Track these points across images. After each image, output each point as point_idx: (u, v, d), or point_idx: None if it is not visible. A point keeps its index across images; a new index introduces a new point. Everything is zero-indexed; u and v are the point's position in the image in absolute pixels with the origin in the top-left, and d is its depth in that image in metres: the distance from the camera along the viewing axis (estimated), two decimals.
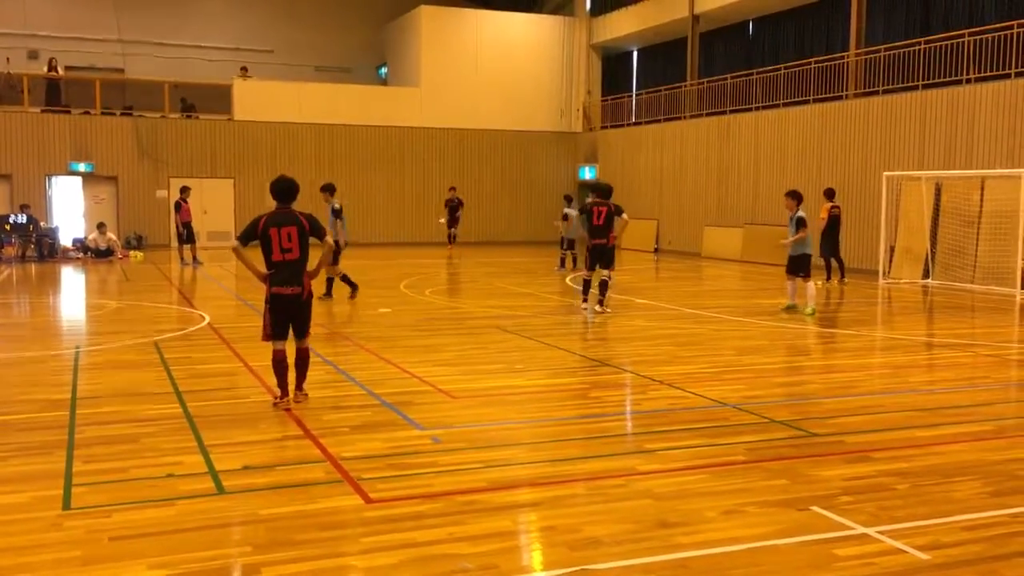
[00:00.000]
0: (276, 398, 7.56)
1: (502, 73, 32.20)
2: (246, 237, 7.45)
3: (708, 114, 27.16)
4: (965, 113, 18.94)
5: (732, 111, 26.04)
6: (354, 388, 8.39)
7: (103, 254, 23.74)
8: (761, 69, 25.49)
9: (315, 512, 5.06)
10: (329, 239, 7.65)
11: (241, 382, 8.69)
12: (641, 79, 32.86)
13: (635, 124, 31.05)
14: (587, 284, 13.86)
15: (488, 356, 10.29)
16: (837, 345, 11.63)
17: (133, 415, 7.24)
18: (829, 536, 4.77)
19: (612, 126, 32.14)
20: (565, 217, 20.79)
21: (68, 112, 28.03)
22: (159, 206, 28.36)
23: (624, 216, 13.80)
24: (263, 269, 7.46)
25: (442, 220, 26.18)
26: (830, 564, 4.41)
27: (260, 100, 29.68)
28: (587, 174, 32.55)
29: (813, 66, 23.42)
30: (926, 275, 18.76)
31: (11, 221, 23.56)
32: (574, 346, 10.99)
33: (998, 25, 18.76)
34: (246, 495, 5.36)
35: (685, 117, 28.25)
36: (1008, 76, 18.23)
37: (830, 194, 18.42)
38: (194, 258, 21.94)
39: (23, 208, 24.18)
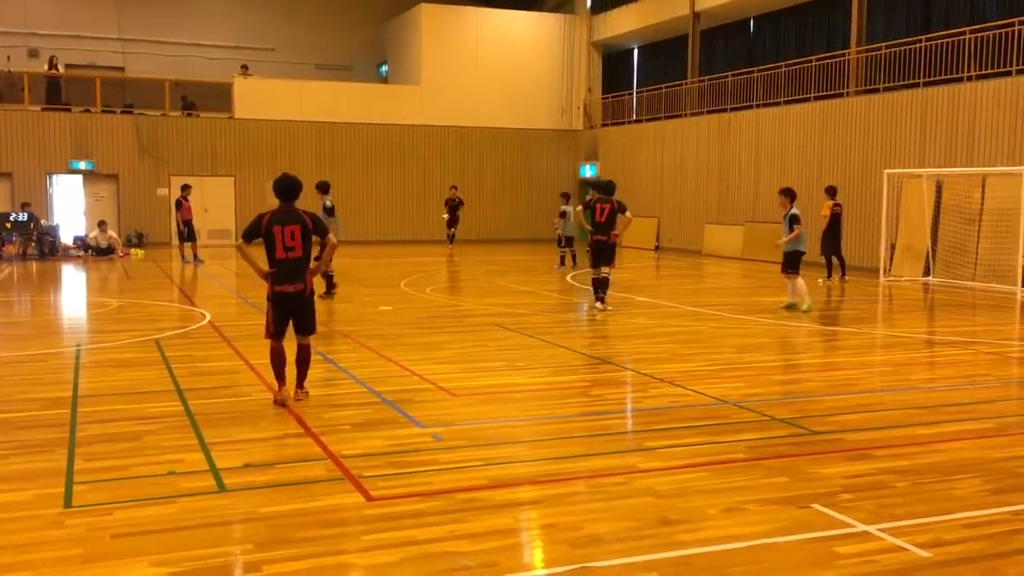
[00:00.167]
0: (275, 393, 7.57)
1: (503, 71, 32.19)
2: (249, 235, 7.48)
3: (709, 112, 27.15)
4: (966, 111, 18.92)
5: (733, 109, 26.03)
6: (355, 386, 8.39)
7: (104, 252, 23.75)
8: (762, 67, 25.47)
9: (316, 510, 5.07)
10: (332, 238, 7.70)
11: (242, 380, 8.70)
12: (642, 77, 32.84)
13: (636, 122, 31.04)
14: (596, 282, 13.85)
15: (489, 354, 10.29)
16: (838, 343, 11.63)
17: (134, 413, 7.25)
18: (830, 534, 4.77)
19: (613, 124, 32.13)
20: (562, 214, 20.77)
21: (69, 110, 28.03)
22: (160, 204, 28.36)
23: (627, 214, 13.80)
24: (265, 267, 7.48)
25: (445, 216, 26.12)
26: (831, 562, 4.42)
27: (261, 98, 29.68)
28: (588, 172, 32.54)
29: (814, 64, 23.40)
30: (927, 273, 18.75)
31: (12, 219, 23.57)
32: (575, 344, 10.99)
33: (999, 23, 18.75)
34: (247, 493, 5.36)
35: (686, 115, 28.24)
36: (1009, 74, 18.22)
37: (832, 192, 18.41)
38: (195, 256, 21.94)
39: (24, 206, 24.18)
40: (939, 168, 19.06)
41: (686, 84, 28.46)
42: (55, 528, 4.79)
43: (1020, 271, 16.13)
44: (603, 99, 32.99)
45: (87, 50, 31.03)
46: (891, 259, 19.51)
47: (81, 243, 24.44)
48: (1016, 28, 18.13)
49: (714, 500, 5.28)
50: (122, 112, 28.59)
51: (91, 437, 6.55)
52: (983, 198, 17.89)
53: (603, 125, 32.59)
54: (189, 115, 29.25)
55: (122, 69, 31.26)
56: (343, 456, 6.07)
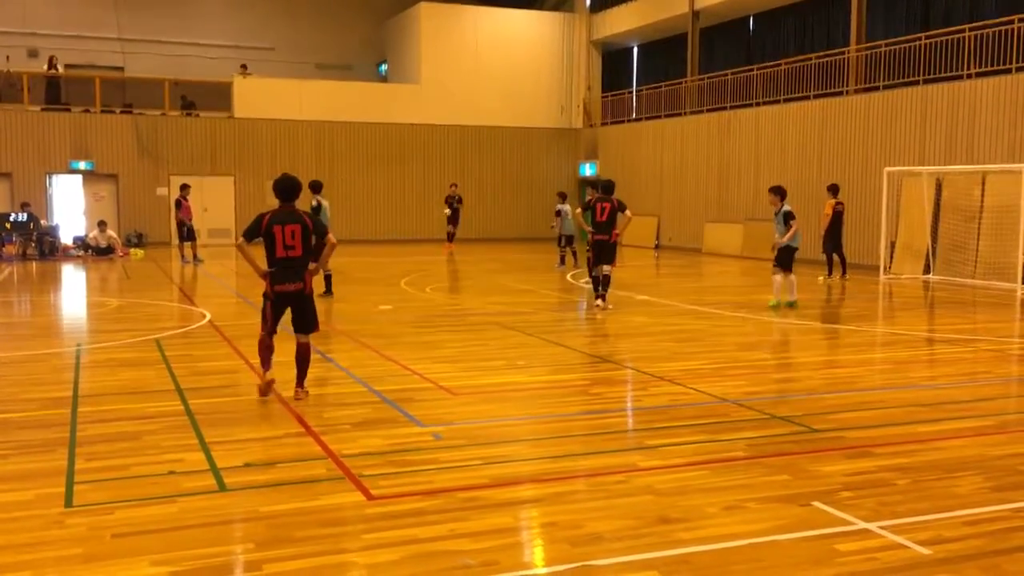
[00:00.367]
0: (260, 377, 7.68)
1: (502, 70, 32.19)
2: (250, 234, 7.56)
3: (708, 110, 27.14)
4: (966, 108, 18.92)
5: (732, 107, 26.02)
6: (355, 385, 8.39)
7: (104, 252, 23.75)
8: (761, 65, 25.47)
9: (316, 509, 5.07)
10: (332, 237, 7.73)
11: (242, 379, 8.70)
12: (641, 75, 32.84)
13: (635, 120, 31.03)
14: (596, 281, 13.84)
15: (489, 353, 10.29)
16: (838, 341, 11.63)
17: (135, 413, 7.25)
18: (830, 531, 4.77)
19: (612, 122, 32.12)
20: (558, 213, 20.75)
21: (68, 110, 28.03)
22: (159, 204, 28.36)
23: (627, 212, 13.78)
24: (264, 266, 7.55)
25: (447, 211, 26.04)
26: (831, 559, 4.42)
27: (260, 97, 29.67)
28: (587, 170, 32.54)
29: (814, 62, 23.40)
30: (927, 271, 18.74)
31: (12, 219, 23.57)
32: (575, 342, 10.99)
33: (998, 20, 18.74)
34: (247, 492, 5.36)
35: (685, 113, 28.23)
36: (1009, 71, 18.22)
37: (834, 190, 18.43)
38: (195, 256, 21.93)
39: (24, 206, 24.19)
40: (939, 166, 19.05)
41: (686, 82, 28.46)
42: (56, 528, 4.79)
43: (1020, 268, 16.13)
44: (603, 98, 32.98)
45: (86, 50, 31.02)
46: (891, 257, 19.50)
47: (81, 243, 24.44)
48: (1016, 26, 18.12)
49: (714, 498, 5.28)
50: (122, 112, 28.59)
51: (91, 437, 6.55)
52: (983, 195, 17.89)
53: (603, 124, 32.58)
54: (189, 115, 29.24)
55: (122, 69, 31.24)
56: (343, 455, 6.07)
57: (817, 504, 5.16)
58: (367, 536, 4.68)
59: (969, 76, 19.07)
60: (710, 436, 6.67)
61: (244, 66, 30.68)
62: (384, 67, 35.01)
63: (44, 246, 23.42)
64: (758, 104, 25.04)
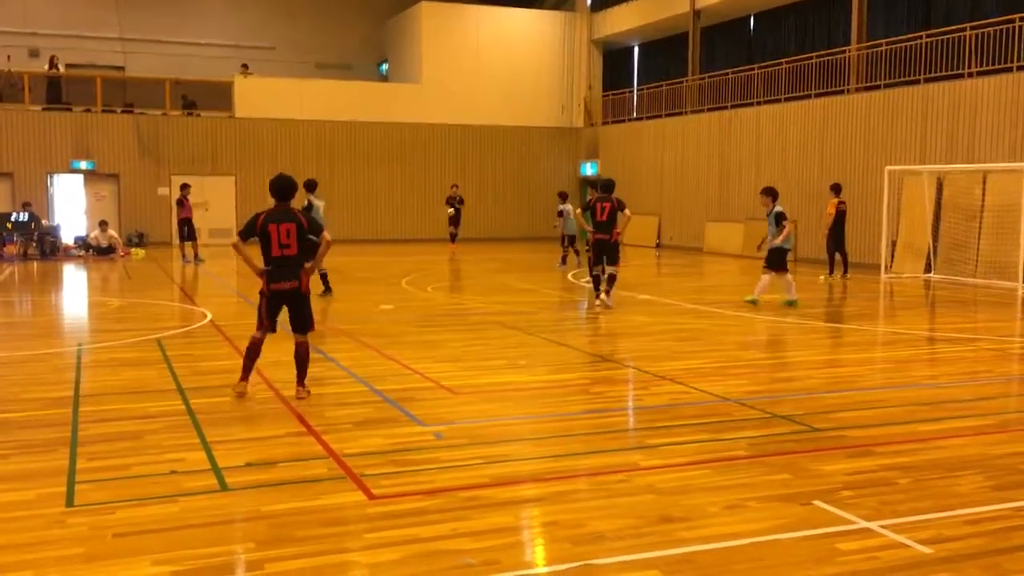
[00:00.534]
0: (236, 384, 7.73)
1: (503, 69, 32.18)
2: (246, 233, 7.59)
3: (709, 109, 27.14)
4: (967, 107, 18.91)
5: (733, 106, 26.02)
6: (356, 385, 8.39)
7: (105, 252, 23.76)
8: (762, 64, 25.47)
9: (318, 508, 5.07)
10: (327, 235, 7.74)
11: None
12: (642, 74, 32.84)
13: (636, 120, 31.03)
14: (596, 280, 13.87)
15: (490, 352, 10.29)
16: (839, 340, 11.63)
17: (136, 412, 7.25)
18: (831, 530, 4.77)
19: (613, 122, 32.12)
20: (560, 214, 20.77)
21: (69, 110, 28.04)
22: (160, 203, 28.37)
23: (627, 211, 13.79)
24: (261, 264, 7.59)
25: (451, 211, 26.00)
26: (832, 558, 4.42)
27: (261, 97, 29.69)
28: (588, 170, 32.54)
29: (814, 61, 23.39)
30: (928, 269, 18.74)
31: (13, 219, 23.58)
32: (576, 342, 10.99)
33: (1000, 19, 18.74)
34: (249, 492, 5.36)
35: (686, 112, 28.23)
36: (1010, 70, 18.21)
37: (837, 189, 18.44)
38: (195, 255, 21.94)
39: (25, 206, 24.20)
40: (940, 165, 19.05)
41: (687, 81, 28.45)
42: (57, 527, 4.79)
43: (1021, 267, 16.13)
44: (603, 97, 32.97)
45: (87, 50, 31.04)
46: (892, 256, 19.50)
47: (82, 243, 24.46)
48: (1017, 25, 18.12)
49: (716, 497, 5.28)
50: (123, 112, 28.60)
51: (93, 436, 6.55)
52: (984, 195, 17.89)
53: (604, 123, 32.58)
54: (189, 114, 29.26)
55: (122, 69, 31.27)
56: (345, 455, 6.07)
57: (818, 503, 5.16)
58: (368, 535, 4.68)
59: (970, 75, 19.06)
60: (711, 435, 6.67)
61: (245, 66, 30.69)
62: (385, 67, 35.01)
63: (45, 246, 23.44)
64: (759, 103, 25.04)
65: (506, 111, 32.37)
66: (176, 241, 23.99)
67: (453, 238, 26.09)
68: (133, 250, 24.89)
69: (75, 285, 18.52)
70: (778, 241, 13.67)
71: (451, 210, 25.87)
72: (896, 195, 19.55)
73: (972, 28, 19.21)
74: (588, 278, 14.94)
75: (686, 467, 5.88)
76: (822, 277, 18.37)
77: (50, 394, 7.98)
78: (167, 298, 15.57)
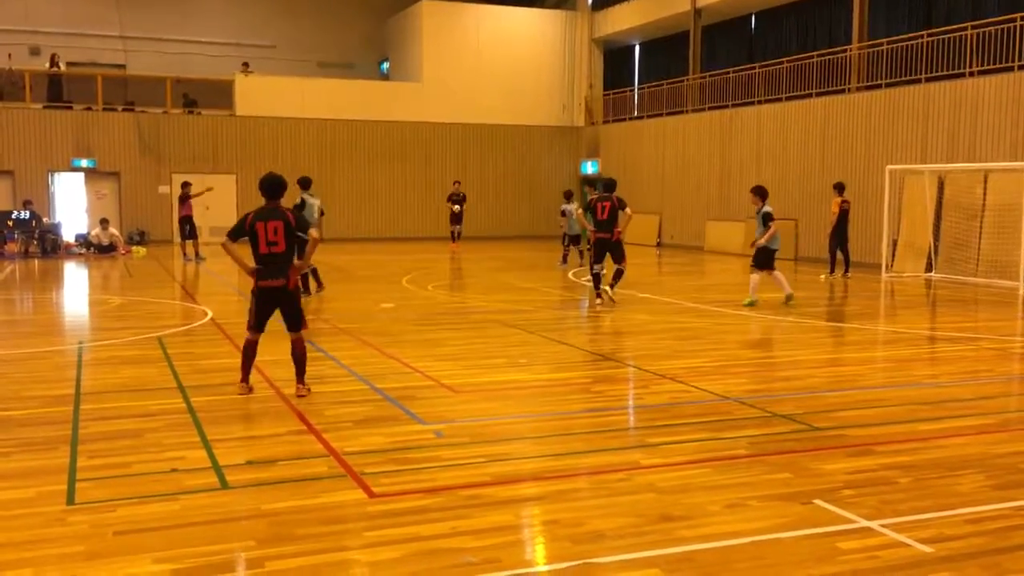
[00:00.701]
0: (238, 386, 7.79)
1: (504, 68, 32.17)
2: (235, 233, 7.67)
3: (710, 108, 27.12)
4: (968, 106, 18.90)
5: (734, 105, 26.00)
6: (357, 383, 8.39)
7: (105, 250, 23.77)
8: (763, 63, 25.44)
9: (318, 507, 5.07)
10: (314, 232, 7.75)
11: None
12: (643, 73, 32.82)
13: (637, 118, 31.01)
14: (597, 278, 13.91)
15: (491, 350, 10.29)
16: (840, 339, 11.63)
17: (137, 410, 7.26)
18: (832, 529, 4.77)
19: (614, 120, 32.10)
20: (563, 213, 20.80)
21: (70, 108, 28.03)
22: (161, 202, 28.37)
23: (627, 210, 13.87)
24: (251, 264, 7.63)
25: (456, 207, 25.96)
26: (833, 557, 4.42)
27: (262, 95, 29.67)
28: (589, 169, 32.53)
29: (815, 60, 23.37)
30: (929, 269, 18.74)
31: (14, 217, 23.59)
32: (577, 340, 10.99)
33: (1001, 18, 18.72)
34: (249, 490, 5.37)
35: (687, 111, 28.22)
36: (1011, 69, 18.20)
37: (840, 188, 18.44)
38: (196, 254, 21.95)
39: (26, 204, 24.21)
40: (941, 164, 19.04)
41: (687, 80, 28.44)
42: (58, 525, 4.79)
43: (1022, 267, 16.11)
44: (604, 96, 32.96)
45: (88, 48, 31.03)
46: (893, 255, 19.50)
47: (83, 241, 24.46)
48: (1018, 24, 18.10)
49: (716, 496, 5.28)
50: (123, 110, 28.59)
51: (94, 434, 6.56)
52: (985, 194, 17.88)
53: (604, 122, 32.56)
54: (190, 113, 29.25)
55: (123, 67, 31.26)
56: (345, 453, 6.07)
57: (819, 502, 5.16)
58: (369, 534, 4.69)
59: (971, 74, 19.05)
60: (712, 434, 6.67)
61: (246, 64, 30.68)
62: (386, 65, 35.00)
63: (46, 244, 23.44)
64: (760, 102, 25.02)
65: (507, 110, 32.35)
66: (177, 239, 23.99)
67: (455, 236, 26.09)
68: (134, 248, 24.89)
69: (76, 283, 18.52)
70: (762, 241, 13.71)
71: (456, 207, 25.86)
72: (897, 194, 19.54)
73: (973, 27, 19.19)
74: (589, 277, 14.94)
75: (686, 466, 5.88)
76: (823, 276, 18.37)
77: (51, 392, 7.98)
78: (168, 296, 15.57)
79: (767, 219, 13.65)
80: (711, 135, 26.80)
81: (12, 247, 23.36)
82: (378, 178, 31.05)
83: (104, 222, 24.44)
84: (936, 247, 18.78)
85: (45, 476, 5.59)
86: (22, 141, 27.16)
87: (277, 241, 7.51)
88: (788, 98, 24.06)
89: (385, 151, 31.10)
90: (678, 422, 7.04)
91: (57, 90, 28.28)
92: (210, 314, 12.83)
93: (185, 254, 22.33)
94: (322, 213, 14.86)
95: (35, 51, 30.31)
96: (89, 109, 28.08)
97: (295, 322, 7.72)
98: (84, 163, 27.74)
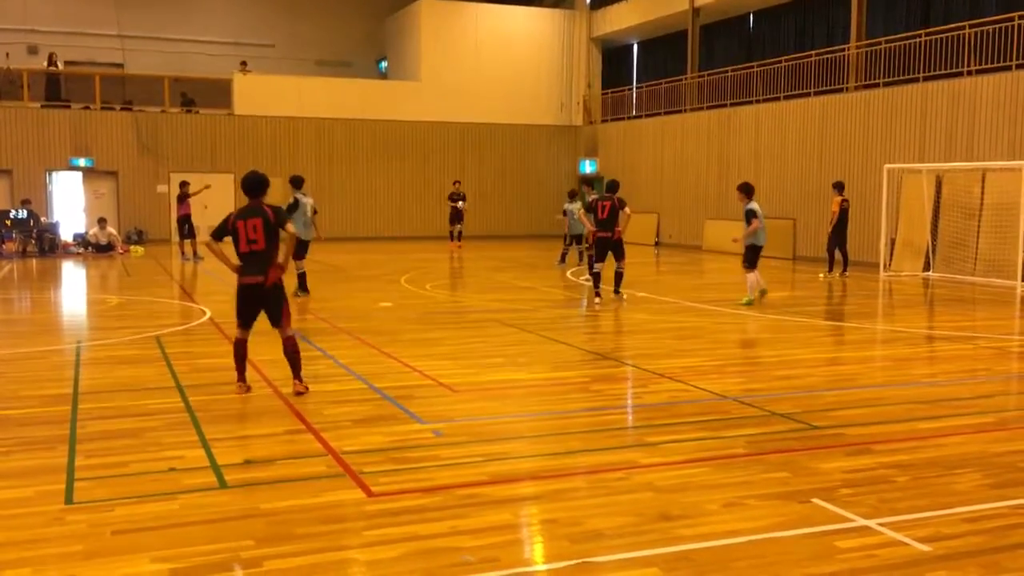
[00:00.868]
0: (236, 386, 7.80)
1: (502, 67, 32.16)
2: (218, 233, 7.77)
3: (709, 107, 27.12)
4: (966, 105, 18.91)
5: (733, 104, 26.01)
6: (355, 382, 8.39)
7: (104, 249, 23.74)
8: (762, 62, 25.45)
9: (317, 506, 5.07)
10: (291, 228, 7.74)
11: None
12: (641, 72, 32.82)
13: (635, 117, 31.01)
14: (596, 277, 14.07)
15: (489, 350, 10.29)
16: (838, 338, 11.64)
17: (135, 410, 7.26)
18: (830, 528, 4.77)
19: (612, 119, 32.10)
20: (565, 213, 20.81)
21: (68, 107, 28.00)
22: (159, 201, 28.35)
23: (627, 210, 14.13)
24: (236, 262, 7.70)
25: (461, 204, 25.93)
26: (831, 556, 4.42)
27: (260, 94, 29.65)
28: (587, 168, 32.52)
29: (814, 59, 23.38)
30: (927, 268, 18.75)
31: (12, 216, 23.56)
32: (575, 340, 10.99)
33: (999, 17, 18.73)
34: (248, 489, 5.37)
35: (685, 110, 28.22)
36: (1009, 68, 18.21)
37: (839, 187, 18.45)
38: (195, 253, 21.93)
39: (24, 203, 24.18)
40: (939, 163, 19.05)
41: (686, 79, 28.44)
42: (57, 524, 4.79)
43: (1020, 266, 16.13)
44: (603, 95, 32.96)
45: (86, 47, 30.99)
46: (891, 254, 19.51)
47: (81, 240, 24.44)
48: (1016, 23, 18.11)
49: (714, 495, 5.28)
50: (121, 109, 28.56)
51: (92, 434, 6.55)
52: (983, 193, 17.89)
53: (603, 121, 32.56)
54: (188, 112, 29.23)
55: (121, 66, 31.22)
56: (344, 452, 6.07)
57: (817, 501, 5.17)
58: (368, 533, 4.69)
59: (969, 73, 19.06)
60: (710, 433, 6.67)
61: (244, 63, 30.65)
62: (384, 64, 34.99)
63: (44, 243, 23.41)
64: (758, 101, 25.03)
65: (505, 109, 32.34)
66: (175, 238, 23.97)
67: (454, 236, 26.05)
68: (132, 247, 24.87)
69: (74, 282, 18.51)
70: (742, 237, 13.88)
71: (461, 204, 25.83)
72: (895, 193, 19.55)
73: (971, 26, 19.20)
74: (587, 276, 14.98)
75: (685, 465, 5.89)
76: (822, 275, 18.38)
77: (49, 391, 7.98)
78: (166, 295, 15.56)
79: (748, 217, 13.78)
80: (709, 134, 26.80)
81: (10, 246, 23.33)
82: (376, 177, 31.03)
83: (102, 221, 24.41)
84: (934, 246, 18.79)
85: (43, 475, 5.59)
86: (20, 140, 27.14)
87: (257, 239, 7.56)
88: (786, 97, 24.07)
89: (383, 150, 31.08)
90: (676, 421, 7.05)
91: (55, 89, 28.25)
92: (208, 313, 12.83)
93: (183, 253, 22.31)
94: (315, 212, 14.80)
95: (33, 50, 30.27)
96: (87, 108, 28.06)
97: (275, 317, 7.75)
98: (82, 162, 27.71)
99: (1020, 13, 18.12)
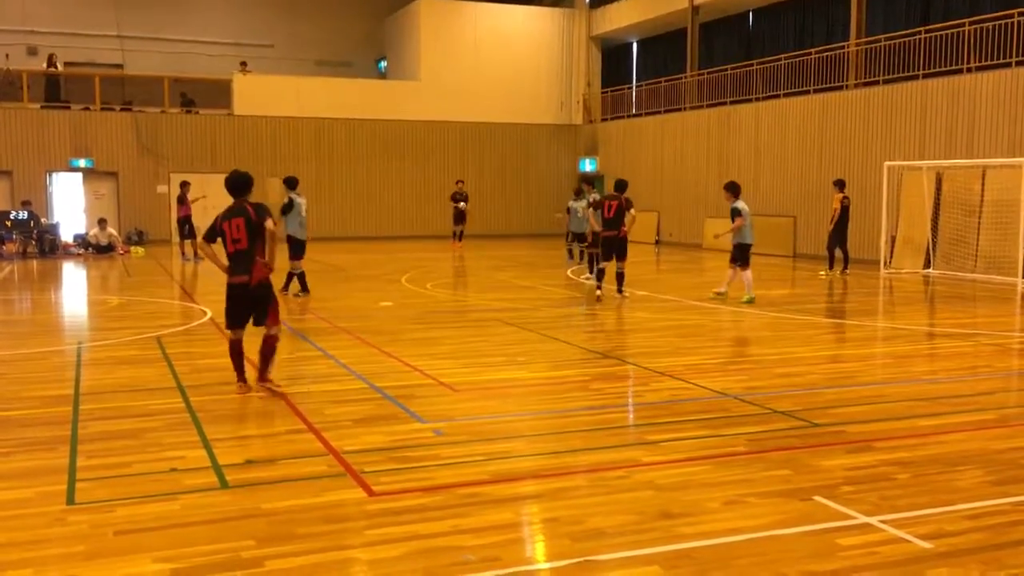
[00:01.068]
0: (237, 387, 7.83)
1: (502, 66, 32.15)
2: (209, 235, 7.79)
3: (708, 105, 27.12)
4: (966, 103, 18.90)
5: (732, 102, 26.00)
6: (356, 382, 8.39)
7: (104, 250, 23.75)
8: (761, 60, 25.44)
9: (318, 505, 5.07)
10: (270, 224, 7.63)
11: None
12: (641, 71, 32.81)
13: (635, 116, 31.01)
14: (600, 272, 14.36)
15: (490, 349, 10.29)
16: (839, 336, 11.64)
17: (136, 410, 7.26)
18: (832, 526, 4.77)
19: (612, 118, 32.09)
20: (569, 210, 20.82)
21: (68, 108, 28.00)
22: (159, 201, 28.35)
23: (632, 211, 14.25)
24: (227, 263, 7.74)
25: (463, 204, 25.93)
26: (833, 553, 4.42)
27: (260, 94, 29.65)
28: (587, 166, 32.52)
29: (813, 56, 23.37)
30: (927, 265, 18.75)
31: (12, 217, 23.56)
32: (576, 338, 10.99)
33: (998, 14, 18.72)
34: (249, 489, 5.37)
35: (685, 108, 28.21)
36: (1009, 65, 18.20)
37: (840, 185, 18.45)
38: (195, 253, 21.92)
39: (25, 204, 24.18)
40: (939, 160, 19.04)
41: (685, 78, 28.43)
42: (58, 525, 4.79)
43: (1020, 262, 16.13)
44: (602, 93, 32.95)
45: (86, 48, 30.99)
46: (891, 251, 19.51)
47: (81, 241, 24.44)
48: (1015, 19, 18.10)
49: (716, 493, 5.28)
50: (121, 109, 28.57)
51: (93, 434, 6.55)
52: (983, 190, 17.89)
53: (603, 119, 32.55)
54: (188, 112, 29.23)
55: (121, 66, 31.23)
56: (345, 452, 6.07)
57: (818, 498, 5.17)
58: (369, 532, 4.69)
59: (969, 70, 19.05)
60: (711, 431, 6.67)
61: (244, 63, 30.65)
62: (383, 64, 34.98)
63: (44, 244, 23.41)
64: (758, 99, 25.02)
65: (505, 108, 32.33)
66: (175, 239, 23.97)
67: (456, 236, 26.04)
68: (132, 248, 24.87)
69: (74, 283, 18.51)
70: (725, 234, 14.04)
71: (463, 204, 25.82)
72: (895, 190, 19.55)
73: (971, 23, 19.19)
74: (588, 275, 15.01)
75: (686, 463, 5.89)
76: (822, 273, 18.37)
77: (50, 392, 7.98)
78: (167, 296, 15.56)
79: (735, 215, 13.88)
80: (709, 132, 26.80)
81: (10, 247, 23.33)
82: (376, 177, 31.03)
83: (102, 222, 24.41)
84: (934, 243, 18.79)
85: (45, 476, 5.59)
86: (20, 141, 27.14)
87: (240, 238, 7.57)
88: (786, 95, 24.06)
89: (383, 150, 31.08)
90: (677, 419, 7.05)
91: (55, 90, 28.25)
92: (209, 314, 12.83)
93: (184, 254, 22.32)
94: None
95: (32, 51, 30.28)
96: (87, 109, 28.06)
97: (260, 317, 7.76)
98: (82, 163, 27.71)
99: (1020, 10, 18.11)
